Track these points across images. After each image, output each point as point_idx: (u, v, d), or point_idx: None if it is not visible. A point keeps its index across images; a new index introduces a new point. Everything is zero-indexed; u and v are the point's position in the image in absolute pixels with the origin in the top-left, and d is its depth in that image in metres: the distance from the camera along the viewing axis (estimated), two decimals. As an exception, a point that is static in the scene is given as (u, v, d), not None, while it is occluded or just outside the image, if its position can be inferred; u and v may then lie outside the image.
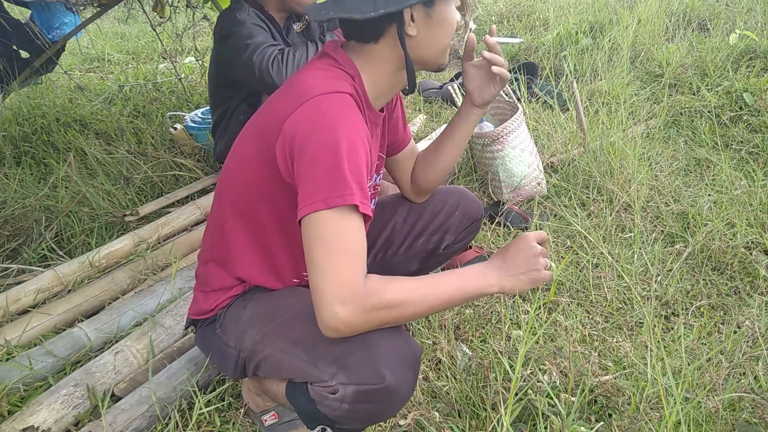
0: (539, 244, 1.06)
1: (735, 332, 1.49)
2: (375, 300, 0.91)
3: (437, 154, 1.34)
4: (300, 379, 1.04)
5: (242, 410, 1.35)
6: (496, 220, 2.06)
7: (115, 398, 1.37)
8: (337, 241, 0.90)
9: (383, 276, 0.96)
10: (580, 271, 1.79)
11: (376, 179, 1.28)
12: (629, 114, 2.77)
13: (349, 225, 0.91)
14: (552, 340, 1.51)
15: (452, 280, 1.00)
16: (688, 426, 1.12)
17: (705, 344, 1.46)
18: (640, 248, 1.82)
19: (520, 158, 2.15)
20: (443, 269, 1.83)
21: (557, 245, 1.94)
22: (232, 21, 1.83)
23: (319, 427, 1.05)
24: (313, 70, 1.06)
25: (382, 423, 1.29)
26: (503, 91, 2.26)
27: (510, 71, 3.34)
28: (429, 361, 1.45)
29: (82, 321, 1.60)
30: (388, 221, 1.44)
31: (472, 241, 1.93)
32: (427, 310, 0.98)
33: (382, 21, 1.01)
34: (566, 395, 1.13)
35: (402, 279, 0.97)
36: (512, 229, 2.04)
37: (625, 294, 1.69)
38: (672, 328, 1.53)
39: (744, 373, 1.36)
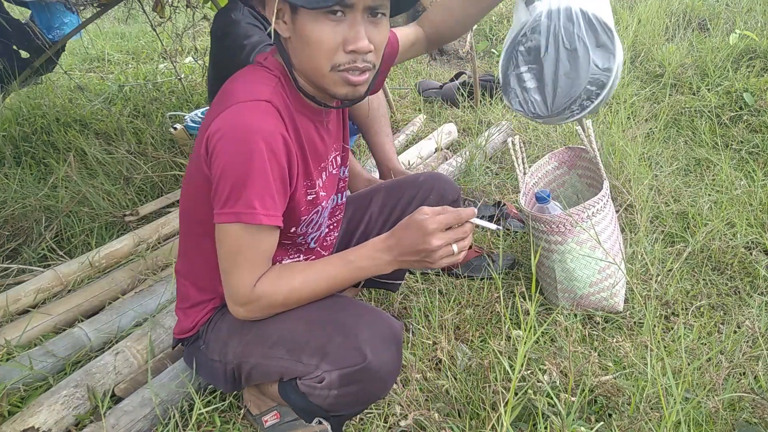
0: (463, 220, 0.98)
1: (735, 332, 1.49)
2: (266, 302, 1.02)
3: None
4: (289, 377, 1.07)
5: (242, 411, 1.35)
6: (494, 221, 2.06)
7: (116, 398, 1.37)
8: (238, 251, 0.99)
9: (276, 271, 1.03)
10: (580, 271, 1.79)
11: (343, 172, 1.27)
12: (629, 114, 2.77)
13: (250, 238, 0.98)
14: (552, 340, 1.51)
15: (343, 271, 1.04)
16: (688, 426, 1.12)
17: (705, 344, 1.46)
18: (641, 248, 1.82)
19: (588, 257, 1.53)
20: (442, 270, 1.83)
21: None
22: (228, 21, 1.83)
23: (316, 420, 1.08)
24: (239, 75, 1.05)
25: (381, 423, 1.29)
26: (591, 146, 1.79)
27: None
28: (429, 361, 1.45)
29: (82, 321, 1.60)
30: (364, 214, 1.45)
31: (473, 241, 1.94)
32: (320, 297, 1.06)
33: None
34: (566, 395, 1.13)
35: (294, 273, 1.03)
36: (511, 230, 2.04)
37: (625, 294, 1.68)
38: (672, 328, 1.53)
39: (744, 373, 1.36)
